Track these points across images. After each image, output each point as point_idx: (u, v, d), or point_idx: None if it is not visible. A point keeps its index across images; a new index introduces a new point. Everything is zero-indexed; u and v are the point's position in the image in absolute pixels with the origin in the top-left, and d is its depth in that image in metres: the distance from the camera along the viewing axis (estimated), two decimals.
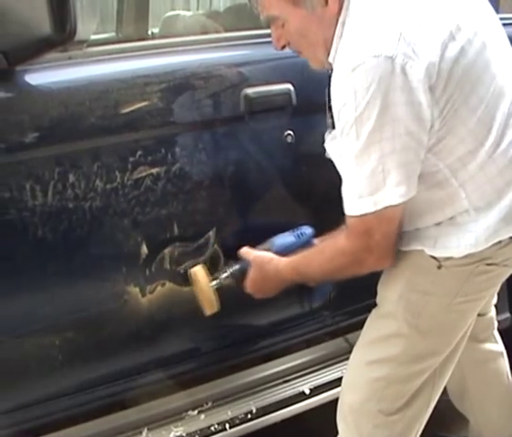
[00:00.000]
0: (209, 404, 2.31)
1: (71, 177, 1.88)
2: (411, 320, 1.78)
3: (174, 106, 2.00)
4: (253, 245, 2.07)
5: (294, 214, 2.27)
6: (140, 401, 2.24)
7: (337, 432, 1.97)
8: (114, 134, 1.85)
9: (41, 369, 2.05)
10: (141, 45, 2.29)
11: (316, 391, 2.41)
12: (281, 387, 2.42)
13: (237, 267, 2.07)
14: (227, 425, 2.24)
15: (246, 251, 2.04)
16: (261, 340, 2.45)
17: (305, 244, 2.06)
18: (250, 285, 2.02)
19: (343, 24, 1.64)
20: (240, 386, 2.38)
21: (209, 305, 2.04)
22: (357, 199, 1.60)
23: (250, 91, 2.11)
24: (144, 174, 1.98)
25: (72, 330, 2.06)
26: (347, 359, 2.36)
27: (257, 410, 2.31)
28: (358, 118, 1.53)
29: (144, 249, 2.04)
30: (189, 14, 3.24)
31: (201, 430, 2.22)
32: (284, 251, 2.00)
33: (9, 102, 1.85)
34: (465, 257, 1.69)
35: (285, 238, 2.07)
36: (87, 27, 1.98)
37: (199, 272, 2.04)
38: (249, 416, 2.28)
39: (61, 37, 1.75)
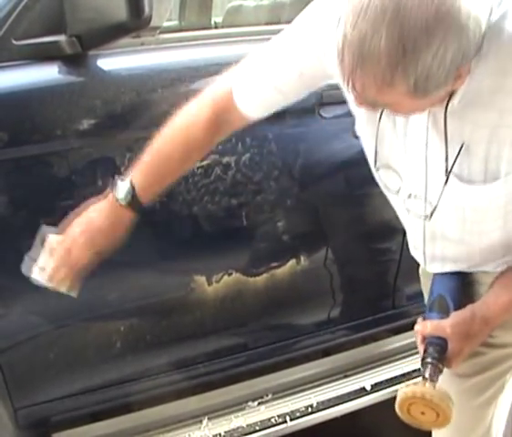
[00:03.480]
0: (270, 396, 2.29)
1: None
2: None
3: None
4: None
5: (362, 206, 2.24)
6: (201, 391, 2.24)
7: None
8: None
9: (104, 354, 2.06)
10: (209, 34, 2.29)
11: (377, 387, 2.38)
12: (341, 382, 2.39)
13: (434, 351, 1.51)
14: (287, 418, 2.22)
15: (435, 326, 1.51)
16: (321, 335, 2.42)
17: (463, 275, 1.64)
18: (456, 359, 1.53)
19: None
20: (301, 379, 2.37)
21: (446, 409, 1.48)
22: None
23: None
24: (214, 163, 1.96)
25: (136, 316, 2.06)
26: (410, 355, 2.35)
27: (317, 404, 2.29)
28: None
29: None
30: (252, 4, 3.21)
31: (262, 421, 2.20)
32: (460, 300, 1.59)
33: (82, 86, 1.85)
34: None
35: (450, 285, 1.61)
36: (160, 14, 1.97)
37: (416, 392, 1.49)
38: (309, 410, 2.26)
39: (136, 23, 1.76)
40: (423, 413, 1.49)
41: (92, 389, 2.06)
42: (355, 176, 2.20)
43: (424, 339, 1.51)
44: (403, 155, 1.44)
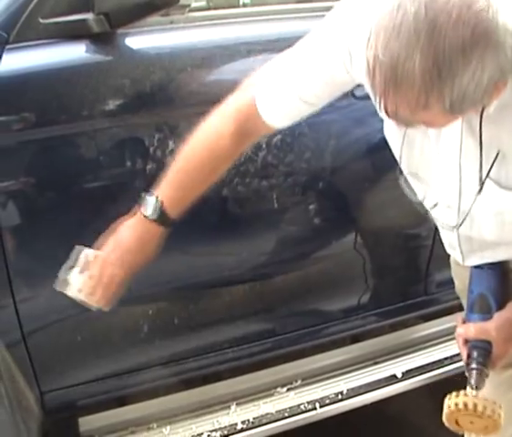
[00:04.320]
0: (299, 382, 2.27)
1: (171, 144, 1.84)
2: None
3: None
4: None
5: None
6: (229, 376, 2.22)
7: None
8: (215, 102, 1.80)
9: (131, 338, 2.04)
10: (238, 13, 2.23)
11: (408, 374, 2.34)
12: (371, 369, 2.36)
13: (479, 356, 1.45)
14: (317, 404, 2.19)
15: (479, 329, 1.46)
16: (351, 320, 2.38)
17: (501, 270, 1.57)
18: (500, 361, 1.48)
19: None
20: (331, 366, 2.34)
21: (497, 418, 1.43)
22: None
23: None
24: None
25: (164, 300, 2.04)
26: (441, 343, 2.30)
27: (347, 391, 2.26)
28: None
29: None
30: None
31: (291, 408, 2.18)
32: (501, 298, 1.51)
33: (110, 65, 1.82)
34: None
35: (490, 282, 1.53)
36: None
37: (464, 404, 1.43)
38: (339, 397, 2.23)
39: (165, 1, 1.74)
40: (471, 423, 1.44)
41: (119, 373, 2.05)
42: (387, 158, 2.15)
43: (466, 341, 1.46)
44: (434, 161, 1.39)
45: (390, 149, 1.48)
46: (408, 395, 2.34)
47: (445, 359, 2.34)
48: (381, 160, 2.12)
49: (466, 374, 1.44)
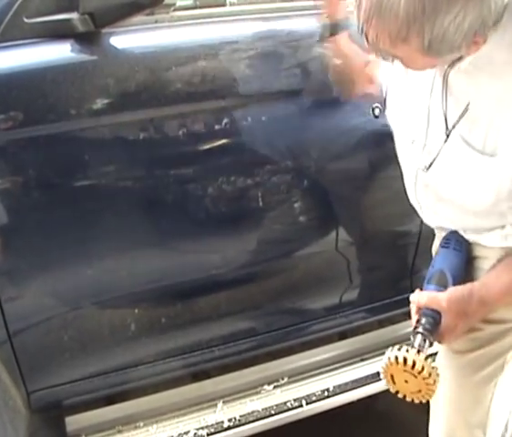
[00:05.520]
0: (285, 380, 2.28)
1: (155, 143, 1.84)
2: None
3: (262, 73, 1.95)
4: None
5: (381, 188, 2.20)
6: (216, 374, 2.23)
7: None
8: (200, 101, 1.81)
9: (118, 337, 2.05)
10: (224, 12, 2.23)
11: None
12: (358, 365, 2.37)
13: (427, 323, 1.48)
14: (303, 402, 2.20)
15: (431, 297, 1.49)
16: (337, 318, 2.39)
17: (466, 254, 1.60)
18: (449, 334, 1.50)
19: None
20: (317, 363, 2.35)
21: (429, 379, 1.44)
22: None
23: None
24: (228, 142, 1.93)
25: (151, 299, 2.04)
26: None
27: (334, 387, 2.26)
28: None
29: None
30: None
31: (277, 405, 2.18)
32: (460, 278, 1.54)
33: (94, 65, 1.82)
34: None
35: (452, 261, 1.56)
36: None
37: (401, 357, 1.43)
38: (325, 394, 2.24)
39: (150, 1, 1.74)
40: (406, 382, 1.45)
41: (106, 372, 2.05)
42: (374, 157, 2.17)
43: (419, 309, 1.49)
44: (409, 96, 1.44)
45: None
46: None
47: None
48: (366, 159, 2.16)
49: (411, 337, 1.47)
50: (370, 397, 2.31)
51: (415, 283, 2.40)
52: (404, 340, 2.38)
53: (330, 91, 2.04)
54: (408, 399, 1.50)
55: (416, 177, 1.51)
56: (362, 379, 2.32)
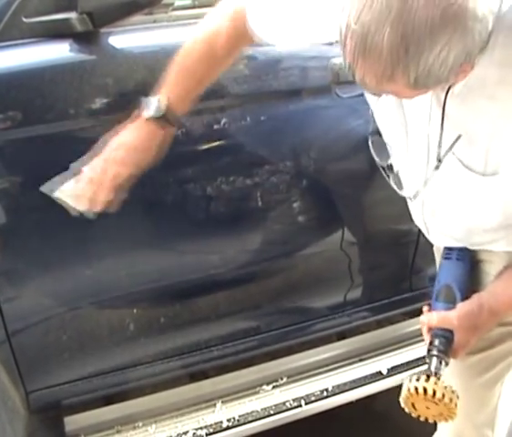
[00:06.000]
0: (284, 380, 2.28)
1: None
2: None
3: (261, 73, 1.94)
4: None
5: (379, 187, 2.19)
6: (215, 374, 2.23)
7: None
8: (199, 100, 1.80)
9: (117, 337, 2.05)
10: None
11: (393, 371, 2.35)
12: (357, 365, 2.37)
13: (440, 344, 1.47)
14: (302, 402, 2.20)
15: (442, 318, 1.48)
16: (336, 318, 2.39)
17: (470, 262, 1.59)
18: (462, 350, 1.50)
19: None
20: (316, 363, 2.35)
21: (450, 404, 1.44)
22: None
23: (337, 61, 2.03)
24: (228, 142, 1.93)
25: (150, 299, 2.04)
26: None
27: (333, 387, 2.26)
28: None
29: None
30: None
31: (276, 405, 2.19)
32: (467, 289, 1.54)
33: (93, 65, 1.82)
34: None
35: (456, 273, 1.56)
36: None
37: (420, 389, 1.44)
38: (324, 393, 2.24)
39: (149, 0, 1.73)
40: (428, 408, 1.47)
41: (104, 372, 2.05)
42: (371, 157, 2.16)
43: (429, 329, 1.49)
44: (405, 125, 1.42)
45: None
46: (394, 391, 2.31)
47: None
48: (364, 158, 2.15)
49: (427, 361, 1.47)
50: (369, 397, 2.32)
51: (415, 283, 2.43)
52: (403, 340, 2.45)
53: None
54: (431, 421, 1.53)
55: (423, 205, 1.51)
56: (361, 379, 2.33)
